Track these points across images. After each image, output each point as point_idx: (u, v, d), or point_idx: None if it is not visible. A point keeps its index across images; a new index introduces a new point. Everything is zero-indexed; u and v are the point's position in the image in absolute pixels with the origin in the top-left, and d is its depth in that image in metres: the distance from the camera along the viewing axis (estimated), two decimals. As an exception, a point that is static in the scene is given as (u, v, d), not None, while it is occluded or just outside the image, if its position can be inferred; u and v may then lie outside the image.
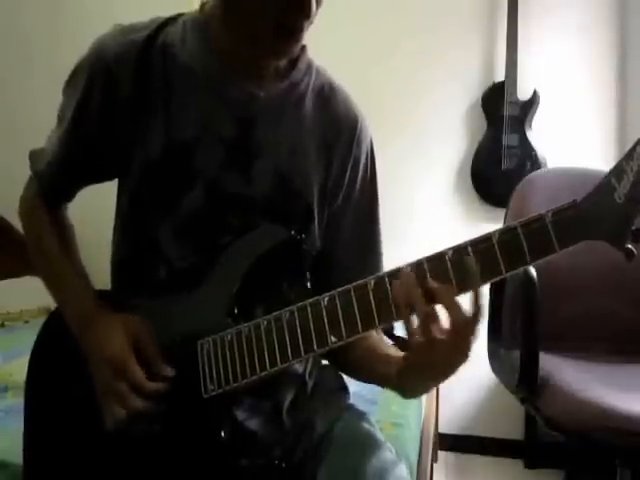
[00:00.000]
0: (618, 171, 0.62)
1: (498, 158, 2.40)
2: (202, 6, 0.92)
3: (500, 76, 2.44)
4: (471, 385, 2.55)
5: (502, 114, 2.40)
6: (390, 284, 0.70)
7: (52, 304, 0.96)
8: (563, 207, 0.65)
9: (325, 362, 1.05)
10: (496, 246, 0.66)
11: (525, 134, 2.39)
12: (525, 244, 0.65)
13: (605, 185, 0.63)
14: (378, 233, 1.00)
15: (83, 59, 0.89)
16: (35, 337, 0.95)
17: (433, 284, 0.67)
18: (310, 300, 0.75)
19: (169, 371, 0.81)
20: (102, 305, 0.88)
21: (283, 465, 0.87)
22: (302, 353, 0.74)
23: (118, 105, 0.86)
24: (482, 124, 2.49)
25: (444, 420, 2.49)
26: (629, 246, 0.62)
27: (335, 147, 0.93)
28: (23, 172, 1.00)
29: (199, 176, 0.86)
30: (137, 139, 0.86)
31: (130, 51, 0.86)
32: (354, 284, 0.73)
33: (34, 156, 0.97)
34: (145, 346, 0.82)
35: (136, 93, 0.86)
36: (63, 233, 0.97)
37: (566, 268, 1.67)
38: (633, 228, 0.62)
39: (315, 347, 0.74)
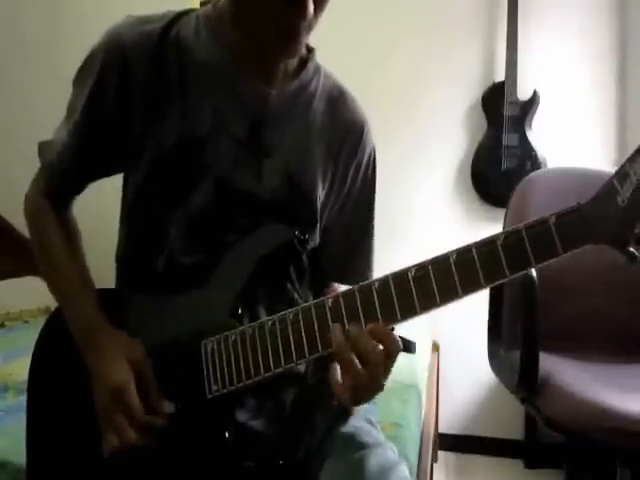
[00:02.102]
0: (621, 174, 0.62)
1: (498, 158, 2.40)
2: (202, 4, 0.92)
3: (500, 76, 2.44)
4: (471, 385, 2.56)
5: (502, 114, 2.40)
6: (394, 286, 0.70)
7: (52, 304, 0.95)
8: (567, 210, 0.64)
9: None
10: (500, 249, 0.66)
11: (525, 134, 2.40)
12: (529, 247, 0.65)
13: (608, 188, 0.63)
14: (372, 235, 1.02)
15: (96, 48, 0.88)
16: (35, 337, 0.95)
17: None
18: (314, 301, 0.75)
19: (168, 407, 0.80)
20: (104, 319, 0.87)
21: (287, 465, 0.87)
22: (306, 354, 0.74)
23: (133, 94, 0.86)
24: (482, 124, 2.49)
25: (444, 420, 2.49)
26: (631, 249, 0.62)
27: (341, 150, 0.95)
28: (22, 172, 1.00)
29: (209, 172, 0.86)
30: (150, 130, 0.86)
31: (146, 41, 0.86)
32: (358, 286, 0.73)
33: (43, 147, 0.96)
34: (146, 378, 0.81)
35: (151, 83, 0.86)
36: (69, 236, 0.97)
37: (566, 268, 1.66)
38: (636, 231, 0.61)
39: (319, 348, 0.74)
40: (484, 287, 0.67)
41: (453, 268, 0.67)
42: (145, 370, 0.81)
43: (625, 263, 0.63)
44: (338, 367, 0.73)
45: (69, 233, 0.97)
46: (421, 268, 0.69)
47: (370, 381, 0.71)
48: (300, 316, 0.75)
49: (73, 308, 0.90)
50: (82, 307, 0.89)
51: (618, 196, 0.62)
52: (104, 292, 0.92)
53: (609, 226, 0.63)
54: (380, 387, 0.73)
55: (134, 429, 0.78)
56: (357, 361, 0.70)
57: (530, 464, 2.47)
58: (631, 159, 0.61)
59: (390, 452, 0.89)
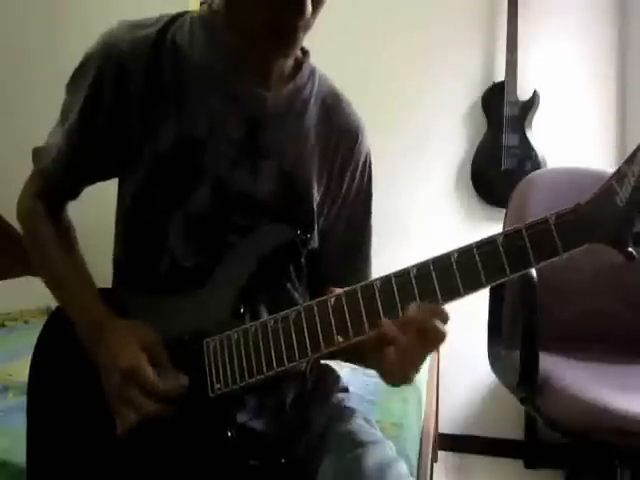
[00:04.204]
0: (620, 175, 0.63)
1: (498, 158, 2.40)
2: (202, 5, 0.92)
3: (500, 76, 2.44)
4: (471, 385, 2.56)
5: (502, 114, 2.40)
6: (396, 285, 0.70)
7: (52, 304, 0.95)
8: (566, 210, 0.65)
9: (325, 362, 1.05)
10: (501, 248, 0.66)
11: (525, 134, 2.40)
12: (529, 247, 0.65)
13: (607, 189, 0.64)
14: (369, 237, 1.02)
15: (90, 54, 0.88)
16: (35, 337, 0.95)
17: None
18: (317, 300, 0.75)
19: (182, 379, 0.80)
20: (110, 311, 0.87)
21: (288, 463, 0.87)
22: (309, 353, 0.74)
23: (129, 99, 0.85)
24: (482, 124, 2.49)
25: (444, 420, 2.50)
26: (630, 249, 0.63)
27: (336, 154, 0.95)
28: (22, 173, 0.99)
29: (207, 174, 0.86)
30: (146, 134, 0.86)
31: (142, 46, 0.85)
32: (360, 285, 0.73)
33: (38, 153, 0.95)
34: (157, 354, 0.81)
35: (147, 88, 0.85)
36: (65, 235, 0.97)
37: (566, 268, 1.66)
38: (634, 231, 0.62)
39: (322, 347, 0.74)
40: (485, 286, 0.68)
41: (454, 267, 0.68)
42: (155, 346, 0.81)
43: (623, 262, 0.64)
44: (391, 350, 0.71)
45: (64, 232, 0.97)
46: (422, 267, 0.70)
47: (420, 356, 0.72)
48: (303, 315, 0.75)
49: (76, 305, 0.89)
50: (86, 302, 0.88)
51: (617, 196, 0.63)
52: (103, 291, 0.91)
53: (608, 226, 0.63)
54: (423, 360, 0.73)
55: (152, 400, 0.77)
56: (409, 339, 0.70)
57: (530, 464, 2.47)
58: (629, 160, 0.62)
59: (388, 449, 0.89)
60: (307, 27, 0.81)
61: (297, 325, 0.75)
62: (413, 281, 0.70)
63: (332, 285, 1.00)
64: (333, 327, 0.73)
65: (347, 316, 0.72)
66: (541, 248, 0.65)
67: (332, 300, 0.74)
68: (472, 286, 0.68)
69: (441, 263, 0.69)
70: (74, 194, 0.98)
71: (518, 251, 0.66)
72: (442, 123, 2.55)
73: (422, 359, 0.72)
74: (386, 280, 0.71)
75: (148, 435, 0.80)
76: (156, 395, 0.78)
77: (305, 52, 0.94)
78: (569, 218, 0.65)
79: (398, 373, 0.73)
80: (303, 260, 0.94)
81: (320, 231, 0.95)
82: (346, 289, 0.74)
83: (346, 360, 0.94)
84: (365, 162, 0.99)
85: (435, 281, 0.69)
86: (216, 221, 0.87)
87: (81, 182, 0.97)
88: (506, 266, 0.66)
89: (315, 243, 0.95)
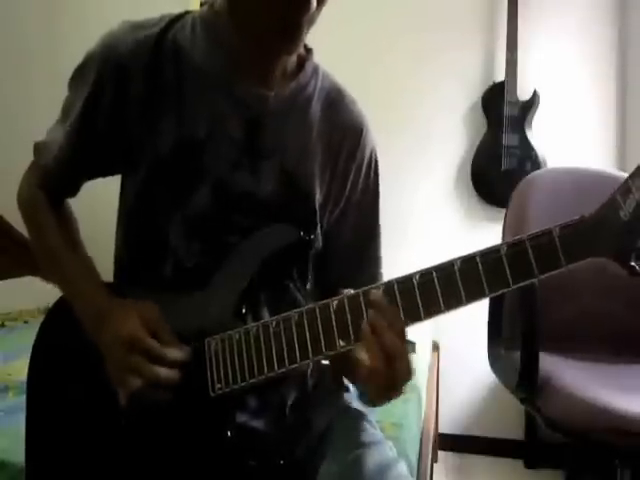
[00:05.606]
0: (624, 189, 0.63)
1: (498, 158, 2.40)
2: (203, 4, 0.92)
3: (500, 76, 2.44)
4: (471, 385, 2.56)
5: (502, 114, 2.40)
6: (399, 291, 0.70)
7: (52, 304, 0.95)
8: (571, 222, 0.65)
9: (325, 362, 1.05)
10: (504, 259, 0.66)
11: (525, 134, 2.40)
12: (533, 258, 0.65)
13: (611, 202, 0.64)
14: (378, 237, 1.01)
15: (92, 54, 0.88)
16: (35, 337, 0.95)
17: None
18: (319, 303, 0.75)
19: (185, 351, 0.80)
20: (112, 296, 0.87)
21: (287, 464, 0.87)
22: (310, 355, 0.74)
23: (129, 101, 0.85)
24: (482, 124, 2.49)
25: (444, 420, 2.50)
26: (633, 264, 0.63)
27: (340, 152, 0.94)
28: (22, 172, 0.99)
29: (208, 174, 0.86)
30: (147, 135, 0.86)
31: (142, 48, 0.85)
32: (363, 289, 0.73)
33: (39, 149, 0.96)
34: (159, 328, 0.81)
35: (148, 89, 0.85)
36: (67, 226, 0.97)
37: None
38: (638, 246, 0.63)
39: (323, 350, 0.73)
40: (487, 296, 0.68)
41: (457, 276, 0.68)
42: (158, 321, 0.81)
43: (626, 276, 0.64)
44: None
45: (66, 221, 0.97)
46: (425, 275, 0.70)
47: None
48: (304, 317, 0.75)
49: (80, 294, 0.89)
50: (89, 290, 0.88)
51: (621, 211, 0.63)
52: (106, 285, 0.91)
53: (612, 240, 0.63)
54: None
55: (156, 363, 0.78)
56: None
57: (530, 464, 2.47)
58: (633, 175, 0.62)
59: (388, 450, 0.89)
60: (311, 22, 0.81)
61: (299, 327, 0.75)
62: (416, 289, 0.70)
63: (342, 287, 1.00)
64: (335, 331, 0.73)
65: (349, 320, 0.72)
66: (544, 260, 0.65)
67: (334, 303, 0.74)
68: (474, 296, 0.68)
69: (444, 271, 0.69)
70: (74, 190, 0.98)
71: (521, 262, 0.66)
72: (442, 123, 2.56)
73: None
74: (388, 286, 0.71)
75: (148, 432, 0.81)
76: (162, 360, 0.78)
77: (308, 50, 0.94)
78: (573, 230, 0.65)
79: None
80: (308, 261, 0.94)
81: (326, 232, 0.95)
82: (349, 293, 0.73)
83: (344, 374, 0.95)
84: (370, 159, 0.98)
85: (438, 289, 0.69)
86: (217, 222, 0.87)
87: (82, 179, 0.97)
88: (509, 277, 0.66)
89: (320, 243, 0.94)
